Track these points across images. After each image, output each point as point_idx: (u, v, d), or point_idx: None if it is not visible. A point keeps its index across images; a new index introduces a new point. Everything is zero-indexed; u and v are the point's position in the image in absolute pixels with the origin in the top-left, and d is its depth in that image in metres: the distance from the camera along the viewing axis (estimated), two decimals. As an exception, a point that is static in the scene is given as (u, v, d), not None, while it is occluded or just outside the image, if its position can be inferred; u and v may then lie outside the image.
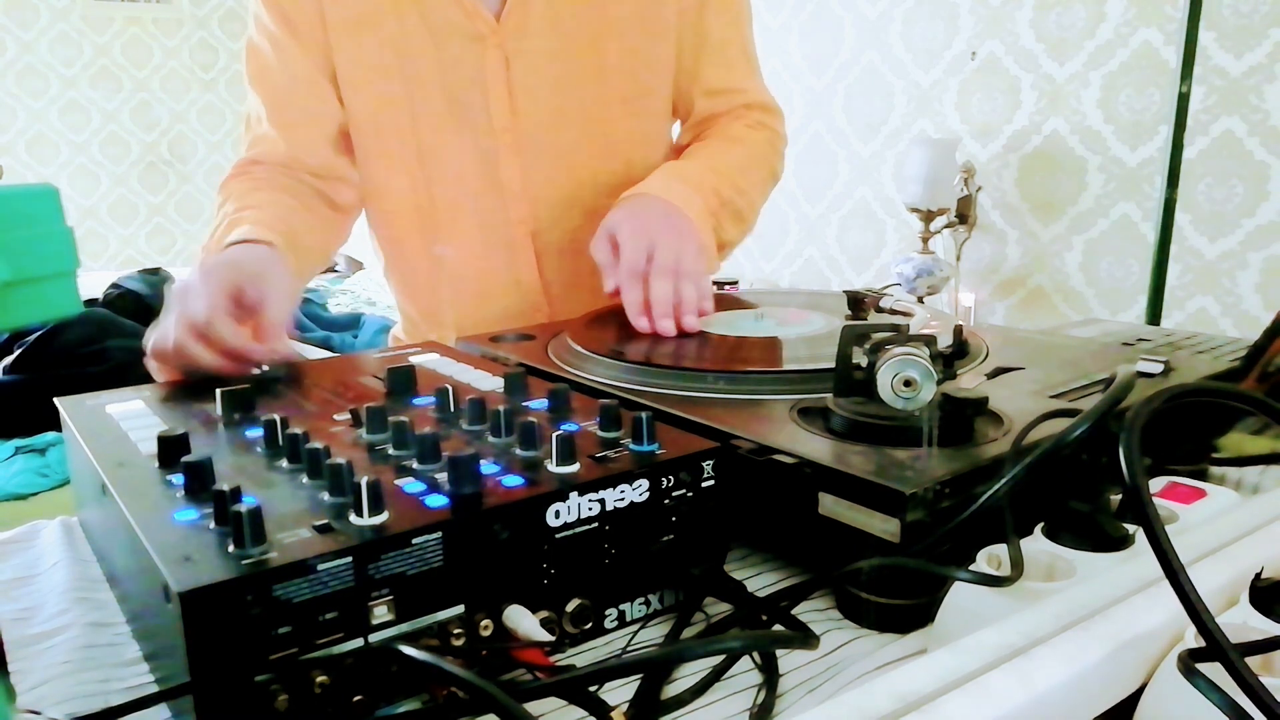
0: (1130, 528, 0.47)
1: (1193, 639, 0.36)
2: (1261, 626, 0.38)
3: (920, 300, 2.41)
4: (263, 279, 0.75)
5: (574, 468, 0.48)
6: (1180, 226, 2.18)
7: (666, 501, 0.50)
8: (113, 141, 4.43)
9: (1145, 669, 0.39)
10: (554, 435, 0.48)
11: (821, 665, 0.46)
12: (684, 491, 0.50)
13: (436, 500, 0.44)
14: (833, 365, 0.57)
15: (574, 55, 0.96)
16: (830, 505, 0.50)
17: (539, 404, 0.60)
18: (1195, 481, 0.55)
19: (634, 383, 0.67)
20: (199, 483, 0.46)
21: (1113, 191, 2.40)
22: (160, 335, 0.70)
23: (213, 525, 0.42)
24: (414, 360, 0.72)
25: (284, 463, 0.50)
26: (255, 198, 0.90)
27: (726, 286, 2.40)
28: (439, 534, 0.42)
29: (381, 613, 0.41)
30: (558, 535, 0.46)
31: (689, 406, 0.60)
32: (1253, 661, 0.35)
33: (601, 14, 0.96)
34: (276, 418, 0.53)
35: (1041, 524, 0.49)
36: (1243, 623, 0.39)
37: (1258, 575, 0.42)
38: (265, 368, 0.70)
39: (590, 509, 0.47)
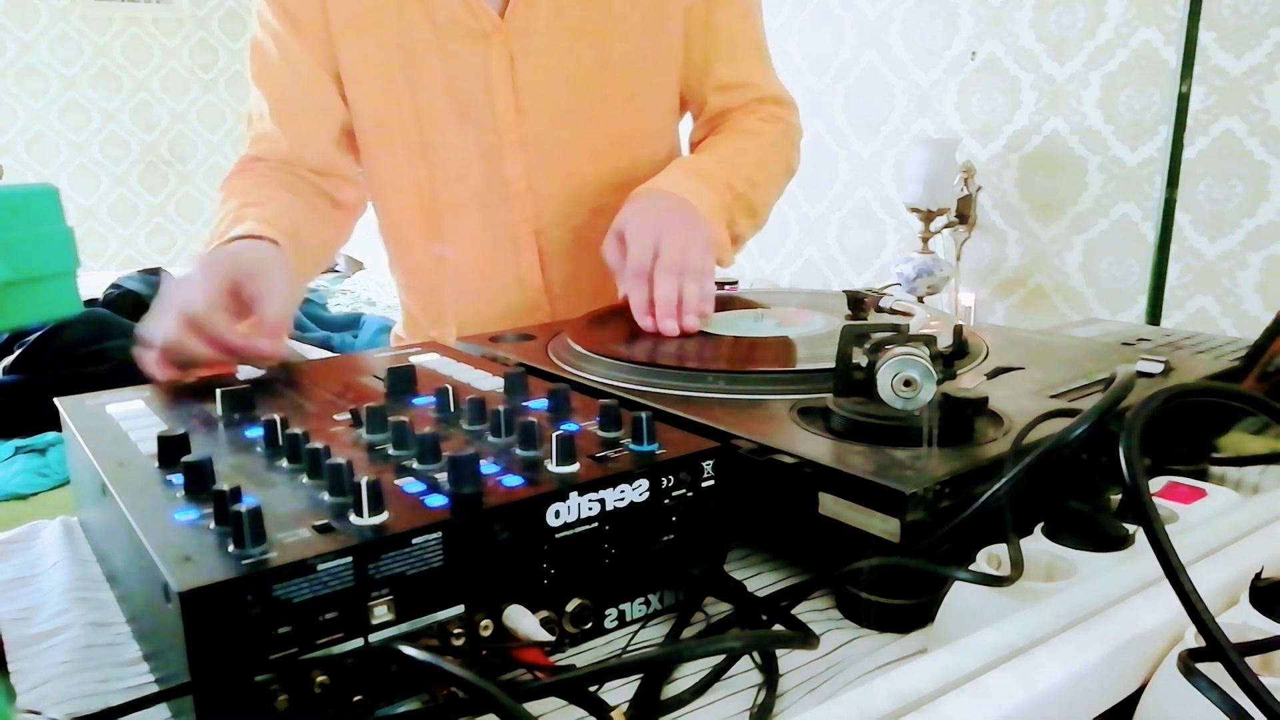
0: (1130, 528, 0.47)
1: (1193, 639, 0.36)
2: (1261, 626, 0.38)
3: (920, 300, 2.41)
4: (262, 276, 0.74)
5: (574, 468, 0.48)
6: (1180, 226, 2.18)
7: (666, 501, 0.50)
8: (113, 141, 4.43)
9: (1145, 669, 0.39)
10: (554, 435, 0.48)
11: (821, 665, 0.46)
12: (684, 491, 0.50)
13: (436, 500, 0.44)
14: (833, 365, 0.57)
15: (579, 53, 0.96)
16: (830, 505, 0.50)
17: (539, 404, 0.60)
18: (1195, 481, 0.55)
19: (634, 383, 0.67)
20: (199, 483, 0.46)
21: (1113, 191, 2.40)
22: (153, 325, 0.70)
23: (213, 525, 0.42)
24: (414, 360, 0.72)
25: (284, 463, 0.50)
26: (258, 195, 0.90)
27: (726, 286, 2.40)
28: (439, 534, 0.42)
29: (381, 613, 0.41)
30: (558, 535, 0.46)
31: (689, 406, 0.60)
32: (1253, 661, 0.35)
33: (606, 11, 0.96)
34: (276, 418, 0.53)
35: (1041, 524, 0.49)
36: (1243, 623, 0.39)
37: (1258, 575, 0.42)
38: (260, 369, 0.70)
39: (590, 509, 0.47)
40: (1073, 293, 2.53)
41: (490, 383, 0.66)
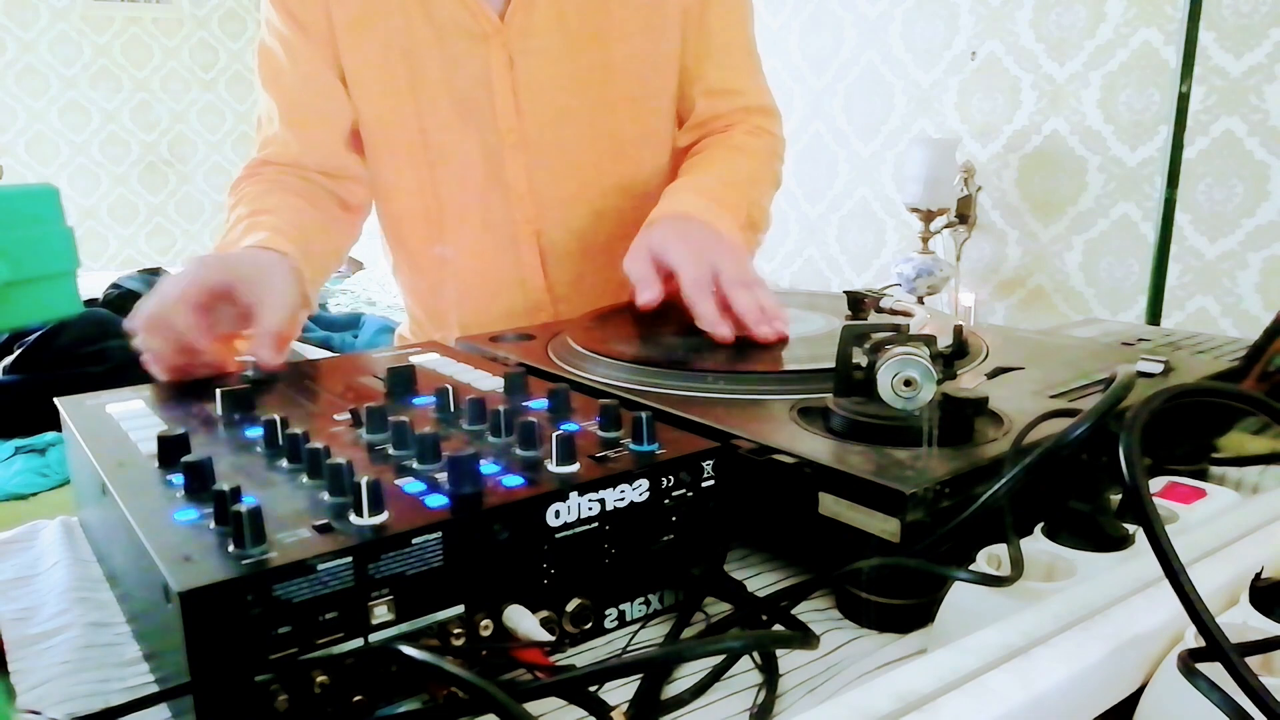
0: (1130, 528, 0.47)
1: (1193, 639, 0.36)
2: (1261, 626, 0.38)
3: (920, 300, 2.41)
4: (260, 283, 0.73)
5: (574, 468, 0.48)
6: (1180, 226, 2.18)
7: (666, 501, 0.50)
8: (113, 141, 4.43)
9: (1145, 669, 0.39)
10: (554, 435, 0.48)
11: (821, 665, 0.46)
12: (684, 491, 0.50)
13: (436, 500, 0.44)
14: (833, 365, 0.57)
15: (579, 55, 0.96)
16: (830, 505, 0.50)
17: (539, 404, 0.60)
18: (1195, 481, 0.55)
19: (634, 382, 0.67)
20: (199, 483, 0.46)
21: (1113, 191, 2.40)
22: (132, 317, 0.69)
23: (213, 525, 0.42)
24: (414, 360, 0.72)
25: (284, 463, 0.50)
26: (268, 201, 0.89)
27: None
28: (439, 534, 0.42)
29: (381, 613, 0.41)
30: (558, 535, 0.46)
31: (689, 406, 0.60)
32: (1253, 661, 0.35)
33: (606, 14, 0.96)
34: (276, 418, 0.53)
35: (1041, 524, 0.49)
36: (1243, 623, 0.39)
37: (1258, 575, 0.42)
38: (250, 371, 0.69)
39: (590, 509, 0.47)
40: (1073, 293, 2.53)
41: (490, 383, 0.66)
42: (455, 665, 0.38)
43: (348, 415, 0.58)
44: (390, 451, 0.51)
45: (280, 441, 0.52)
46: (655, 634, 0.50)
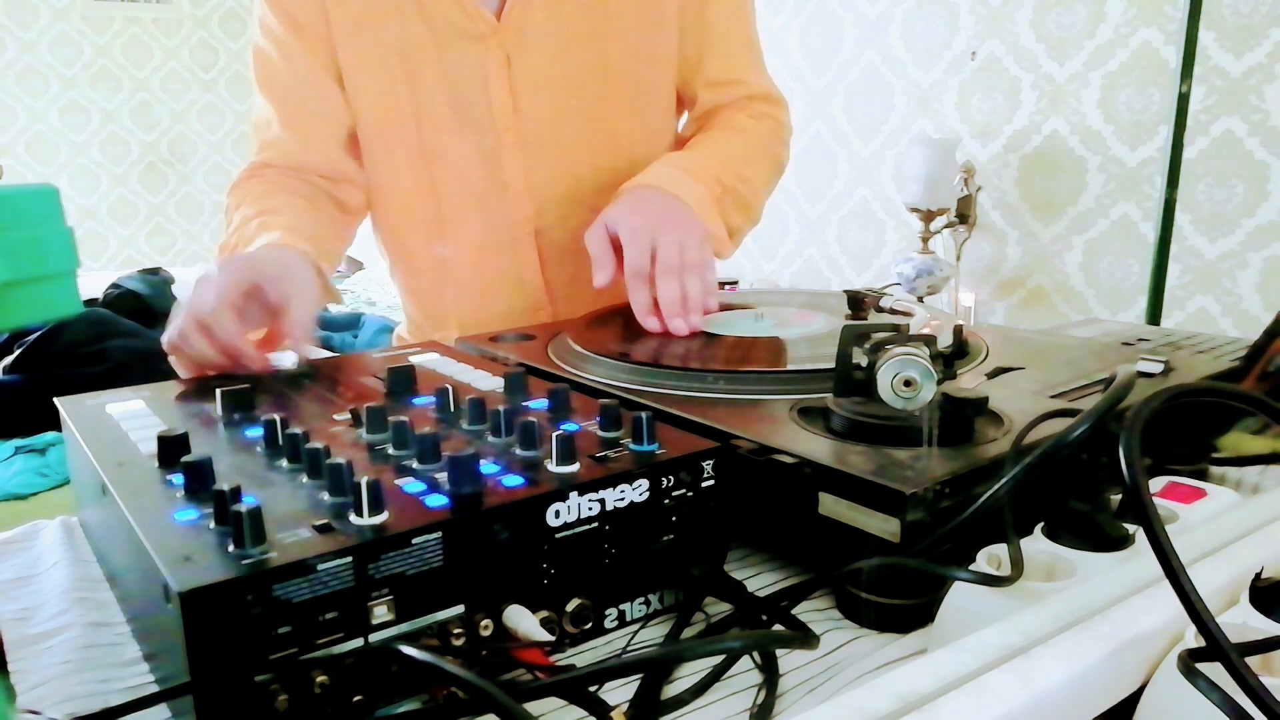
0: (1130, 528, 0.47)
1: (1193, 639, 0.36)
2: (1261, 626, 0.38)
3: (920, 300, 2.41)
4: (286, 281, 0.75)
5: (574, 468, 0.48)
6: (1180, 226, 2.18)
7: (666, 501, 0.50)
8: (113, 141, 4.43)
9: (1145, 669, 0.39)
10: (554, 435, 0.48)
11: (821, 665, 0.46)
12: (684, 491, 0.50)
13: (436, 500, 0.44)
14: (833, 365, 0.57)
15: (576, 53, 0.96)
16: (830, 505, 0.50)
17: (539, 404, 0.60)
18: (1195, 481, 0.55)
19: (634, 382, 0.67)
20: (199, 483, 0.46)
21: (1113, 191, 2.40)
22: (171, 327, 0.71)
23: (213, 525, 0.42)
24: (414, 360, 0.72)
25: (284, 463, 0.50)
26: (273, 201, 0.90)
27: (727, 286, 2.40)
28: (439, 534, 0.42)
29: (381, 613, 0.41)
30: (558, 535, 0.46)
31: (689, 406, 0.60)
32: (1253, 661, 0.35)
33: (602, 12, 0.96)
34: (276, 418, 0.53)
35: (1041, 524, 0.49)
36: (1243, 623, 0.39)
37: (1258, 575, 0.42)
38: (294, 364, 0.71)
39: (590, 509, 0.47)
40: (1073, 293, 2.53)
41: (490, 383, 0.66)
42: (455, 665, 0.38)
43: (348, 415, 0.58)
44: (390, 451, 0.51)
45: (280, 441, 0.52)
46: (655, 634, 0.50)
